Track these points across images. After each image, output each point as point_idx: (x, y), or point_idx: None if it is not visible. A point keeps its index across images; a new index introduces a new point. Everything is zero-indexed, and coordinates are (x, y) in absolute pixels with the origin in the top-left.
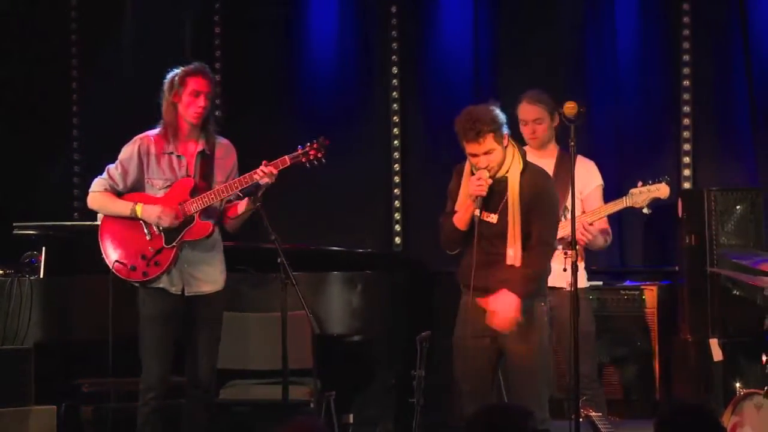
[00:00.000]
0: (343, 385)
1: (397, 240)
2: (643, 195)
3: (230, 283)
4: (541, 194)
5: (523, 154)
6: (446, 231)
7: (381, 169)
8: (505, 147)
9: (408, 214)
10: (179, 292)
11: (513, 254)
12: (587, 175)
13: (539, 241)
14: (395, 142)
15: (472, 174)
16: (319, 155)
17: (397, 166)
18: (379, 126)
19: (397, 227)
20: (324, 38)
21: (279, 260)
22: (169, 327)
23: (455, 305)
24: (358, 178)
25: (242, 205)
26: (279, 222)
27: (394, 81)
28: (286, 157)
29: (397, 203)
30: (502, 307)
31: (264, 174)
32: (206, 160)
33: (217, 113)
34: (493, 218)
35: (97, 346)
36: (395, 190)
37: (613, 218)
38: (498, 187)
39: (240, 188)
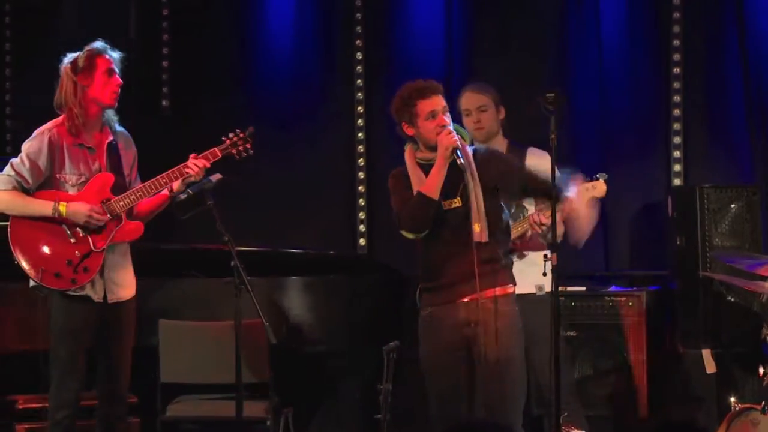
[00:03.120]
0: (302, 400)
1: (362, 241)
2: (580, 194)
3: (178, 290)
4: (500, 158)
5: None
6: (416, 207)
7: (344, 164)
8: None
9: (373, 214)
10: (101, 300)
11: (479, 230)
12: (544, 166)
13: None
14: (359, 134)
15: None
16: (248, 146)
17: (361, 161)
18: (342, 118)
19: (362, 227)
20: (281, 24)
21: (232, 263)
22: (85, 339)
23: None
24: (319, 173)
25: (166, 193)
26: (232, 221)
27: (358, 68)
28: (215, 149)
29: (361, 201)
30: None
31: (196, 168)
32: (114, 152)
33: (164, 103)
34: (456, 202)
35: (29, 360)
36: (359, 187)
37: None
38: (452, 171)
39: (188, 188)
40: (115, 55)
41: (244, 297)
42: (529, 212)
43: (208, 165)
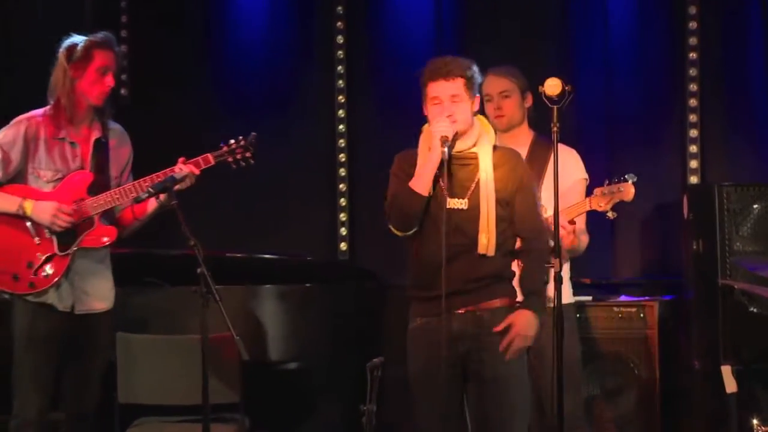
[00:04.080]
0: (277, 422)
1: (343, 246)
2: (605, 197)
3: (139, 300)
4: (519, 179)
5: (495, 134)
6: (403, 201)
7: (323, 160)
8: (474, 113)
9: (356, 215)
10: (68, 310)
11: (486, 242)
12: (567, 167)
13: (531, 245)
14: (340, 126)
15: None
16: (247, 155)
17: (342, 156)
18: (321, 109)
19: (343, 230)
20: (253, 5)
21: (199, 270)
22: (52, 351)
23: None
24: (295, 171)
25: (152, 204)
26: (199, 224)
27: (339, 53)
28: (209, 155)
29: (342, 201)
30: (523, 327)
31: (183, 175)
32: (102, 149)
33: (122, 92)
34: (462, 203)
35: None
36: (340, 186)
37: (605, 221)
38: (466, 166)
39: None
40: (118, 50)
41: (212, 308)
42: (545, 216)
43: (197, 172)
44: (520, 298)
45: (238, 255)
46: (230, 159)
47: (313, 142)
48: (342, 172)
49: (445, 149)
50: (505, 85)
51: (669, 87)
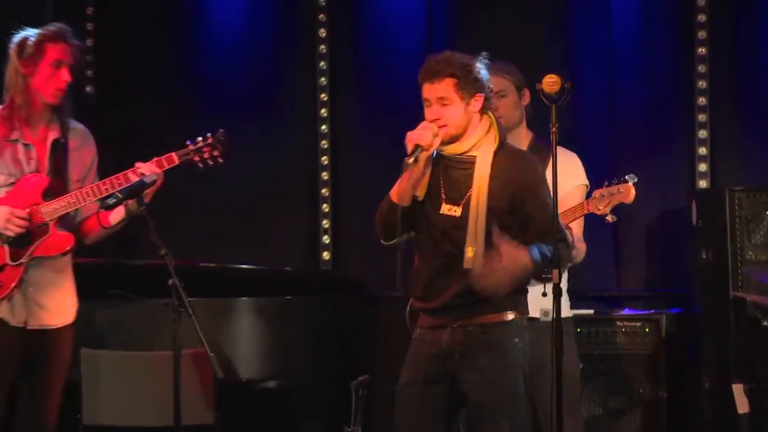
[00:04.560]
0: None
1: (325, 255)
2: (605, 199)
3: (105, 314)
4: (529, 183)
5: (502, 134)
6: (382, 209)
7: (304, 162)
8: (476, 113)
9: (339, 222)
10: (21, 325)
11: (472, 255)
12: (567, 171)
13: (539, 231)
14: (323, 127)
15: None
16: (216, 153)
17: (325, 159)
18: (302, 109)
19: (326, 238)
20: None
21: (170, 282)
22: (5, 369)
23: (402, 340)
24: (274, 174)
25: (120, 211)
26: (171, 232)
27: (322, 47)
28: (173, 154)
29: (325, 207)
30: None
31: (143, 176)
32: (60, 151)
33: (87, 89)
34: (455, 211)
35: None
36: (323, 190)
37: (607, 228)
38: (463, 170)
39: (117, 190)
40: (74, 42)
41: (184, 322)
42: None
43: (159, 172)
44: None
45: (213, 265)
46: (197, 158)
47: (293, 143)
48: (324, 175)
49: (411, 160)
50: (500, 84)
51: (676, 84)
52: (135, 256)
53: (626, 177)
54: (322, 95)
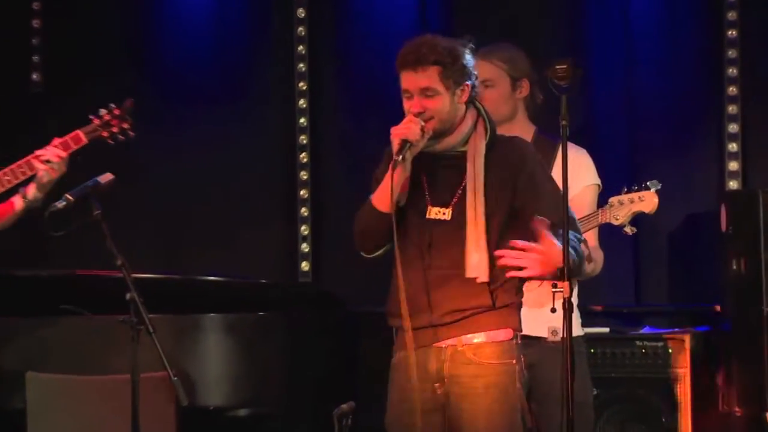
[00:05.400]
0: None
1: (304, 266)
2: (624, 207)
3: (53, 332)
4: (528, 170)
5: (492, 125)
6: (362, 217)
7: (281, 161)
8: (463, 103)
9: (320, 229)
10: None
11: (476, 262)
12: (575, 170)
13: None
14: (301, 120)
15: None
16: (125, 126)
17: (304, 156)
18: (278, 100)
19: (304, 247)
20: None
21: (128, 296)
22: None
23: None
24: (246, 175)
25: (19, 203)
26: (129, 240)
27: (300, 29)
28: (78, 132)
29: (304, 211)
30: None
31: (47, 161)
32: None
33: (34, 76)
34: (444, 214)
35: None
36: (301, 192)
37: (621, 235)
38: (451, 168)
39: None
40: None
41: (144, 341)
42: None
43: (64, 155)
44: (525, 327)
45: (176, 277)
46: (105, 134)
47: (267, 139)
48: (303, 175)
49: (400, 158)
50: (488, 73)
51: (703, 72)
52: (87, 267)
53: (648, 183)
54: (301, 84)
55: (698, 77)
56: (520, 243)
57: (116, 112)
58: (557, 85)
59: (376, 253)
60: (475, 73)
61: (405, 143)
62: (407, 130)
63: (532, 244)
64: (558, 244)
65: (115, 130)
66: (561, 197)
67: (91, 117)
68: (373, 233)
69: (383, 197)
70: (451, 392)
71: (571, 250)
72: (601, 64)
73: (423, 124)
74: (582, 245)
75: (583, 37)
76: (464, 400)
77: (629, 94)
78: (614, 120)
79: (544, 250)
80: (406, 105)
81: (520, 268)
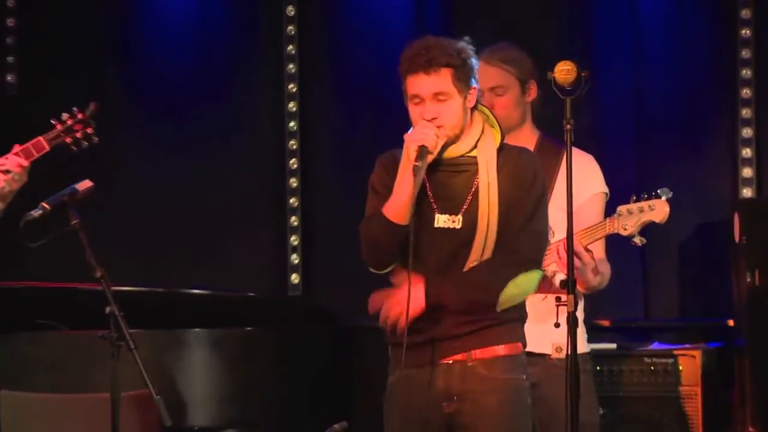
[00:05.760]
0: None
1: (294, 278)
2: (633, 217)
3: (29, 349)
4: (536, 193)
5: (502, 130)
6: (375, 231)
7: (269, 167)
8: (471, 109)
9: (311, 239)
10: None
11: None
12: (582, 176)
13: (523, 259)
14: (291, 123)
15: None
16: (89, 131)
17: (294, 162)
18: (266, 102)
19: (294, 258)
20: None
21: (107, 310)
22: None
23: (386, 379)
24: (233, 182)
25: None
26: (109, 251)
27: (290, 28)
28: (40, 138)
29: (294, 220)
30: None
31: (7, 171)
32: None
33: (8, 78)
34: (455, 221)
35: None
36: (291, 200)
37: (632, 245)
38: (461, 174)
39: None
40: None
41: (124, 358)
42: (554, 240)
43: (26, 164)
44: (530, 343)
45: (159, 290)
46: (69, 140)
47: (255, 144)
48: (293, 182)
49: (420, 163)
50: (498, 79)
51: (715, 73)
52: (65, 280)
53: (659, 191)
54: (291, 86)
55: (710, 79)
56: None
57: (80, 116)
58: (561, 87)
59: (389, 269)
60: (475, 70)
61: (424, 150)
62: (425, 136)
63: None
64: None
65: (78, 135)
66: (546, 234)
67: (53, 122)
68: (388, 247)
69: (399, 208)
70: (463, 410)
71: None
72: (608, 64)
73: (437, 130)
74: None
75: (588, 36)
76: (478, 418)
77: (637, 96)
78: (621, 124)
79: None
80: (415, 111)
81: None
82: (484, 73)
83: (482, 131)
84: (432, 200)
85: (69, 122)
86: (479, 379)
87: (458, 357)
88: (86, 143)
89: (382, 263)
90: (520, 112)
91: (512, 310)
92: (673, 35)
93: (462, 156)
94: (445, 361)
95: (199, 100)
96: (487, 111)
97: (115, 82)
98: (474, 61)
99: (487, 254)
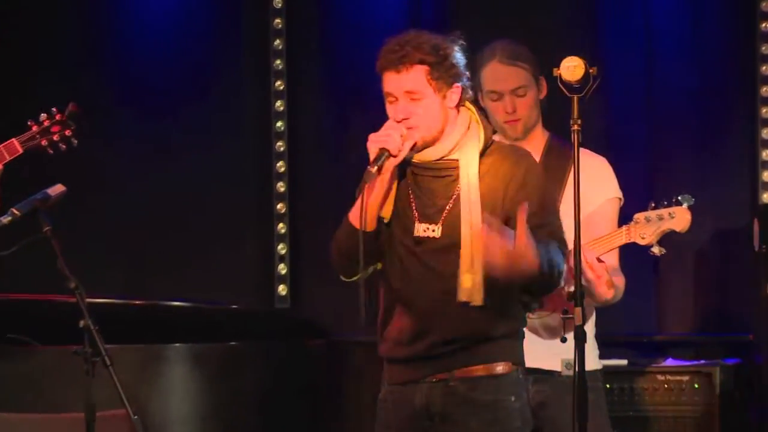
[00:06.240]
0: None
1: (282, 289)
2: (652, 225)
3: None
4: (519, 178)
5: (487, 131)
6: (339, 236)
7: (254, 172)
8: (453, 107)
9: (299, 248)
10: None
11: (470, 285)
12: (595, 180)
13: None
14: (278, 124)
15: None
16: (68, 133)
17: (281, 165)
18: (252, 101)
19: (282, 268)
20: None
21: (82, 324)
22: None
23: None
24: (216, 188)
25: None
26: (84, 260)
27: (277, 21)
28: (14, 140)
29: (281, 227)
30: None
31: (60, 191)
32: None
33: None
34: (434, 230)
35: None
36: (278, 206)
37: (645, 255)
38: (441, 179)
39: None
40: None
41: (100, 375)
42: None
43: None
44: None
45: (138, 302)
46: (44, 142)
47: (239, 146)
48: (280, 186)
49: (375, 169)
50: (519, 79)
51: (732, 70)
52: (36, 291)
53: (680, 198)
54: (278, 83)
55: (727, 75)
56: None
57: (58, 117)
58: (568, 84)
59: (356, 277)
60: (467, 73)
61: (382, 153)
62: (387, 138)
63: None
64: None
65: (55, 138)
66: (553, 205)
67: (29, 123)
68: (351, 254)
69: (361, 214)
70: None
71: (544, 254)
72: (618, 60)
73: (404, 131)
74: (561, 259)
75: (597, 30)
76: None
77: (649, 93)
78: (631, 124)
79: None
80: (390, 110)
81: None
82: (501, 74)
83: (467, 130)
84: (413, 207)
85: (46, 123)
86: (461, 400)
87: (441, 375)
88: (64, 146)
89: (346, 270)
90: (537, 111)
91: (505, 325)
92: (687, 29)
93: (442, 159)
94: (429, 380)
95: (179, 100)
96: (473, 109)
97: (92, 81)
98: (458, 59)
99: (478, 264)
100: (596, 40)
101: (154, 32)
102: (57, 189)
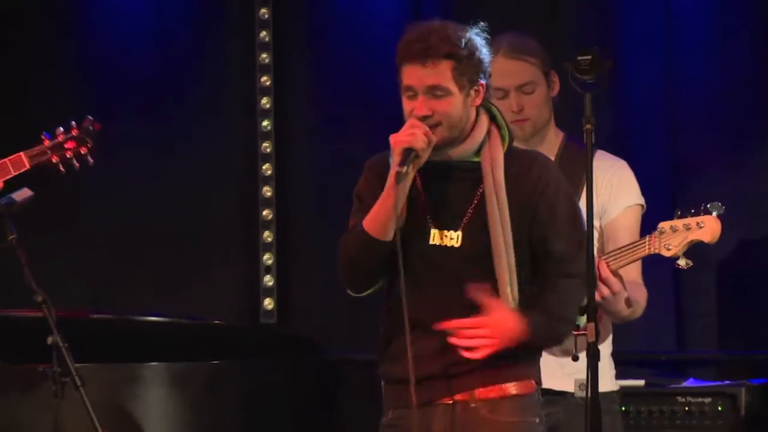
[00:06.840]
0: None
1: (268, 303)
2: (678, 235)
3: None
4: (549, 198)
5: (510, 132)
6: (352, 248)
7: (239, 176)
8: (476, 106)
9: (287, 259)
10: None
11: (513, 296)
12: (615, 187)
13: (558, 272)
14: (264, 123)
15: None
16: (83, 151)
17: (267, 168)
18: (236, 98)
19: (268, 280)
20: None
21: (50, 340)
22: None
23: (372, 418)
24: (198, 194)
25: None
26: (53, 271)
27: (263, 11)
28: (21, 154)
29: (267, 236)
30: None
31: (27, 196)
32: None
33: None
34: (452, 238)
35: None
36: (264, 213)
37: (664, 265)
38: (459, 183)
39: None
40: None
41: (70, 396)
42: None
43: None
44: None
45: (111, 317)
46: (56, 158)
47: (222, 148)
48: (267, 191)
49: (404, 169)
50: (526, 74)
51: (758, 68)
52: (1, 305)
53: (708, 206)
54: (264, 79)
55: (753, 73)
56: (467, 321)
57: (74, 132)
58: (580, 80)
59: (368, 292)
60: (490, 69)
61: (409, 152)
62: (411, 137)
63: (481, 318)
64: (508, 310)
65: (68, 154)
66: (580, 241)
67: (42, 136)
68: (368, 267)
69: (381, 221)
70: None
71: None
72: (636, 55)
73: (427, 130)
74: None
75: (613, 22)
76: None
77: (669, 92)
78: (651, 122)
79: (495, 321)
80: (408, 106)
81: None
82: (507, 69)
83: (489, 132)
84: (427, 212)
85: (60, 138)
86: (483, 422)
87: (459, 397)
88: (78, 165)
89: (359, 285)
90: (548, 110)
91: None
92: (711, 25)
93: (463, 162)
94: (444, 402)
95: (158, 98)
96: (494, 110)
97: (63, 85)
98: (484, 54)
99: (514, 274)
100: (611, 32)
101: (131, 28)
102: (23, 194)
